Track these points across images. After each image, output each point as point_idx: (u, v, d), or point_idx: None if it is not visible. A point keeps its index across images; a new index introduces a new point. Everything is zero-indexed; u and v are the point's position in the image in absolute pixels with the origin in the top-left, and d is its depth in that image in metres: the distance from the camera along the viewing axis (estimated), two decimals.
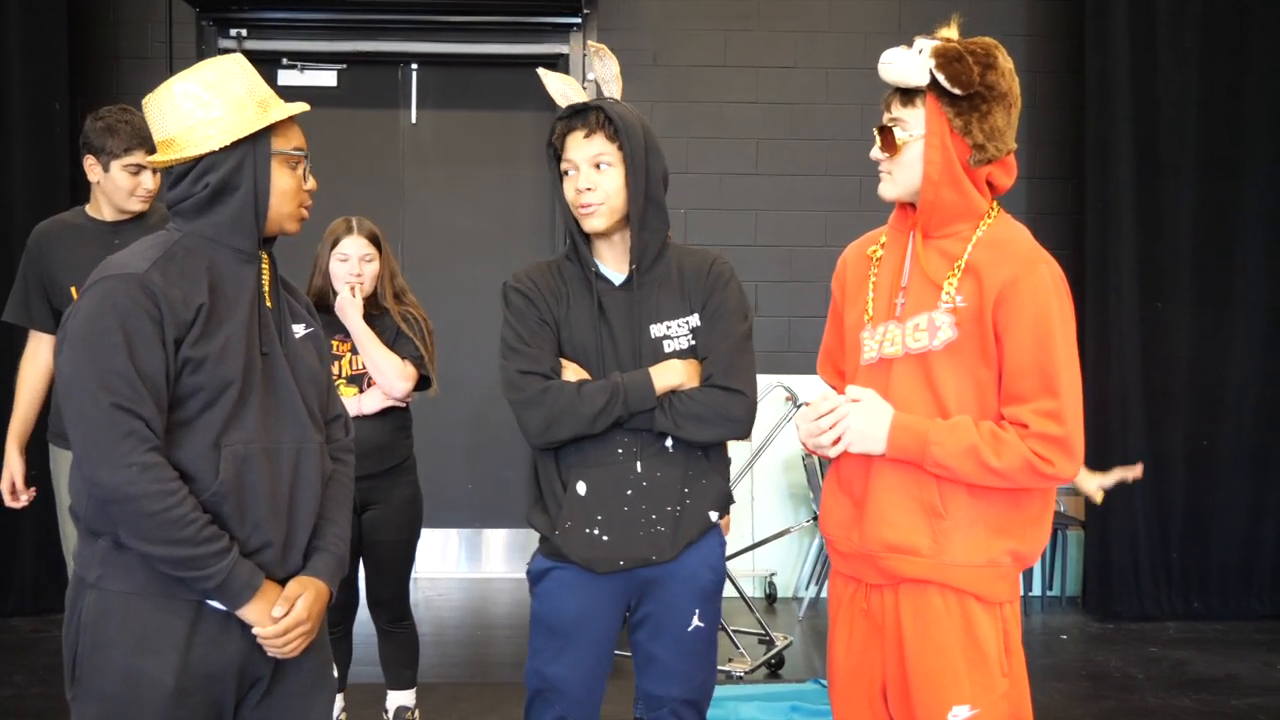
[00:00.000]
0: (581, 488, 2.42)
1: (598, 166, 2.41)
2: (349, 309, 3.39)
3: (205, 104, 2.02)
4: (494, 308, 6.47)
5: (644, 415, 2.39)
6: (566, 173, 2.45)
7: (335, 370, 3.39)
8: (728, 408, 2.40)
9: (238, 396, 1.99)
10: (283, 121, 2.06)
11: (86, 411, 1.89)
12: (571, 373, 2.43)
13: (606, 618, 2.46)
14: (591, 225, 2.42)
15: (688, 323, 2.47)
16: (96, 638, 1.97)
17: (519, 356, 2.42)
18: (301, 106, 2.10)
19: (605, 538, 2.40)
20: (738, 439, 2.48)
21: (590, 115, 2.42)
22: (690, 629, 2.47)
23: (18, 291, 3.42)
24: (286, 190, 2.06)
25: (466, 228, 6.05)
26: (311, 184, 2.10)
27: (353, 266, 3.43)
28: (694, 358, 2.46)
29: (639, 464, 2.42)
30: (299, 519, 2.07)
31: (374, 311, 3.47)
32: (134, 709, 1.95)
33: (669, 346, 2.45)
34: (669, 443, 2.43)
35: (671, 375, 2.41)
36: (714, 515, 2.47)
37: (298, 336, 2.14)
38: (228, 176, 2.01)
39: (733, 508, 4.73)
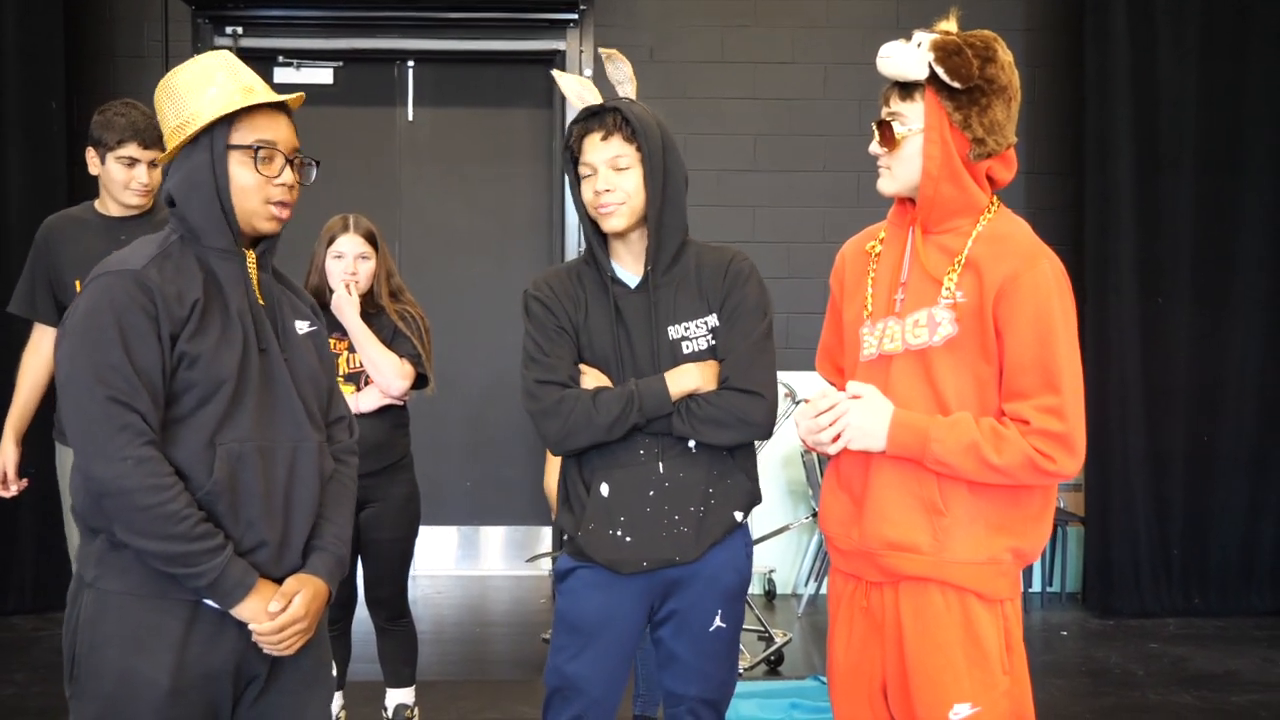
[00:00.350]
0: (604, 489, 2.42)
1: (616, 168, 2.40)
2: (345, 307, 3.38)
3: (181, 102, 2.03)
4: (492, 306, 6.45)
5: (662, 420, 2.38)
6: (584, 175, 2.43)
7: None
8: (745, 411, 2.38)
9: (232, 394, 1.98)
10: (251, 115, 2.02)
11: (82, 405, 1.90)
12: (592, 379, 2.42)
13: (629, 618, 2.45)
14: (611, 225, 2.41)
15: (706, 323, 2.44)
16: (93, 637, 1.97)
17: (537, 366, 2.42)
18: (272, 96, 2.04)
19: (628, 539, 2.40)
20: (758, 441, 2.47)
21: (607, 117, 2.41)
22: (712, 629, 2.46)
23: (24, 284, 3.43)
24: (245, 187, 2.02)
25: (463, 225, 6.04)
26: (286, 178, 2.04)
27: (348, 265, 3.42)
28: (714, 358, 2.44)
29: (661, 465, 2.41)
30: (295, 518, 2.06)
31: (370, 310, 3.46)
32: (130, 709, 1.95)
33: (688, 348, 2.43)
34: (692, 443, 2.41)
35: (688, 379, 2.40)
36: (739, 515, 2.46)
37: (300, 334, 2.13)
38: (189, 174, 2.01)
39: None
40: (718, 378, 2.41)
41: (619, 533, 2.40)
